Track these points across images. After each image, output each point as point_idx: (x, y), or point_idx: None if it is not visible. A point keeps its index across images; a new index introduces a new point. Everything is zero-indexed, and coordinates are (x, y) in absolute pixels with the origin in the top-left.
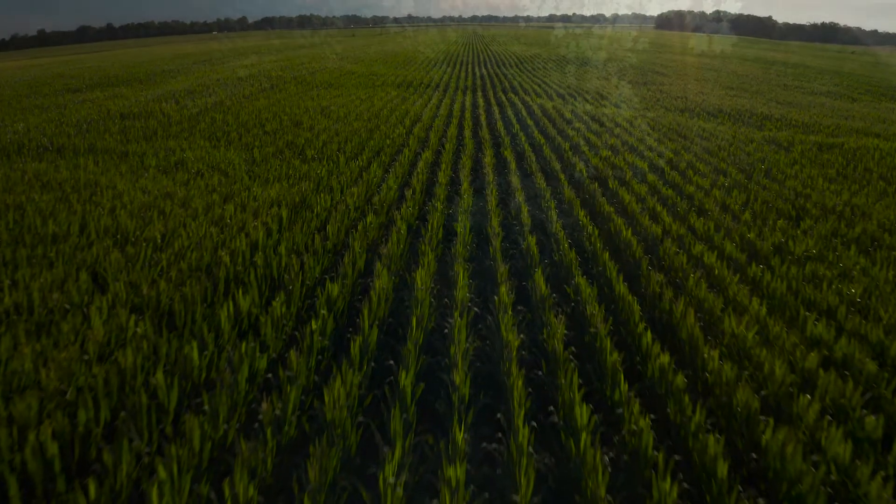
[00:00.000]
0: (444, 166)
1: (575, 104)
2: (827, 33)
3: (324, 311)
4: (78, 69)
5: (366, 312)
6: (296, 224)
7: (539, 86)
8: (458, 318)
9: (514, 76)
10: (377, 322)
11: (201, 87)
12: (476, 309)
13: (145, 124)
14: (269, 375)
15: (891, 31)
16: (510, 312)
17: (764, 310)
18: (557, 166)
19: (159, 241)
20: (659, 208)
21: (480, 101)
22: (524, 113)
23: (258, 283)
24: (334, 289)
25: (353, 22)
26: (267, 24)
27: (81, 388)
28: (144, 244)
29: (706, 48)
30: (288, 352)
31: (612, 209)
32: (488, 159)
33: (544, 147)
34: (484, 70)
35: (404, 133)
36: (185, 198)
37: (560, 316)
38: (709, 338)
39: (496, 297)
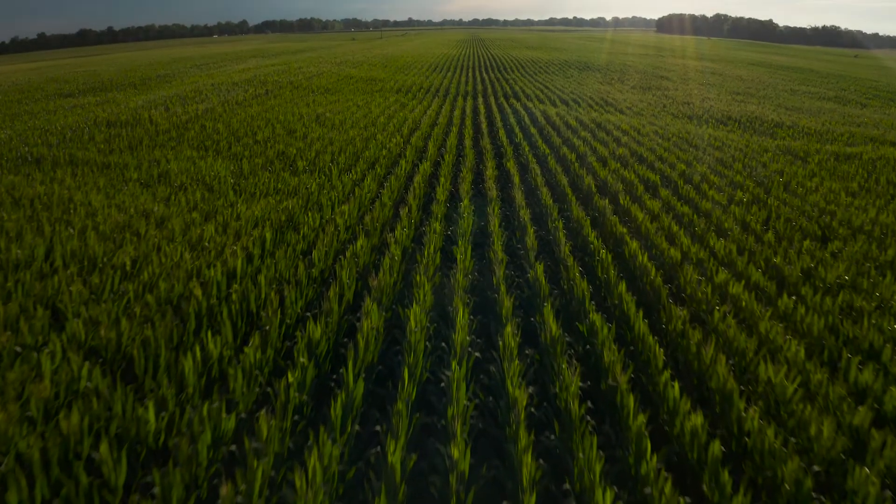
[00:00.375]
0: (442, 180)
1: (579, 111)
2: (829, 37)
3: (303, 360)
4: (73, 73)
5: (350, 364)
6: (280, 247)
7: (542, 91)
8: (457, 368)
9: (515, 81)
10: (364, 371)
11: (194, 92)
12: (477, 354)
13: (132, 133)
14: (234, 448)
15: (892, 34)
16: (517, 361)
17: (802, 352)
18: (564, 180)
19: (129, 267)
20: (675, 228)
21: (481, 107)
22: (527, 120)
23: (232, 321)
24: (317, 330)
25: (354, 25)
26: (267, 27)
27: (21, 455)
28: (112, 272)
29: (708, 52)
30: (261, 409)
31: (624, 230)
32: (490, 172)
33: (549, 158)
34: (485, 74)
35: (402, 142)
36: (164, 216)
37: (574, 364)
38: (743, 388)
39: (500, 341)
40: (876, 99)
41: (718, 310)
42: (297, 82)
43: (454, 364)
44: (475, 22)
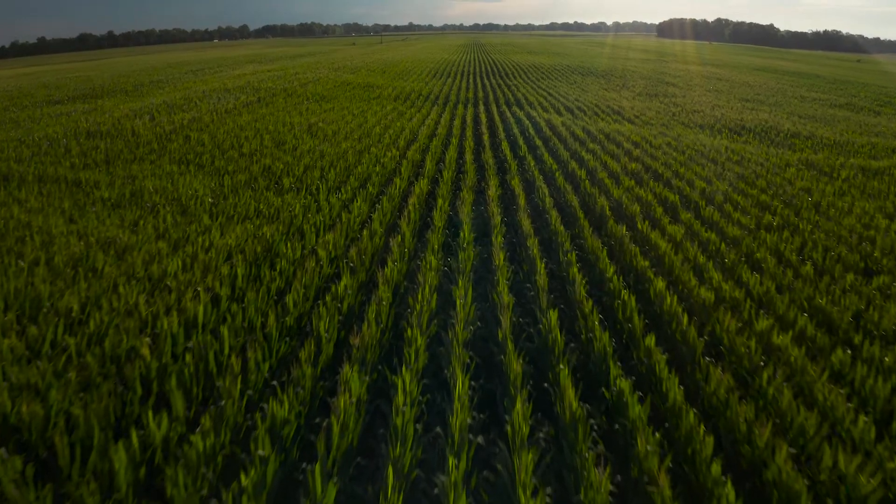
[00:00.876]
0: (440, 201)
1: (585, 120)
2: (830, 41)
3: (262, 451)
4: (67, 79)
5: (319, 466)
6: (252, 286)
7: (545, 98)
8: (454, 467)
9: (518, 87)
10: (339, 462)
11: (184, 99)
12: (480, 439)
13: (111, 145)
14: None
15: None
16: (529, 453)
17: (872, 432)
18: (574, 200)
19: (76, 313)
20: (702, 259)
21: (483, 116)
22: (531, 131)
23: (185, 389)
24: (282, 409)
25: (354, 30)
26: (268, 31)
27: None
28: (55, 319)
29: (711, 57)
30: None
31: (646, 262)
32: (493, 191)
33: (557, 174)
34: (486, 81)
35: (397, 156)
36: (127, 246)
37: (601, 464)
38: (808, 483)
39: (509, 425)
40: (888, 106)
41: (767, 371)
42: (291, 89)
43: (451, 461)
44: (476, 27)
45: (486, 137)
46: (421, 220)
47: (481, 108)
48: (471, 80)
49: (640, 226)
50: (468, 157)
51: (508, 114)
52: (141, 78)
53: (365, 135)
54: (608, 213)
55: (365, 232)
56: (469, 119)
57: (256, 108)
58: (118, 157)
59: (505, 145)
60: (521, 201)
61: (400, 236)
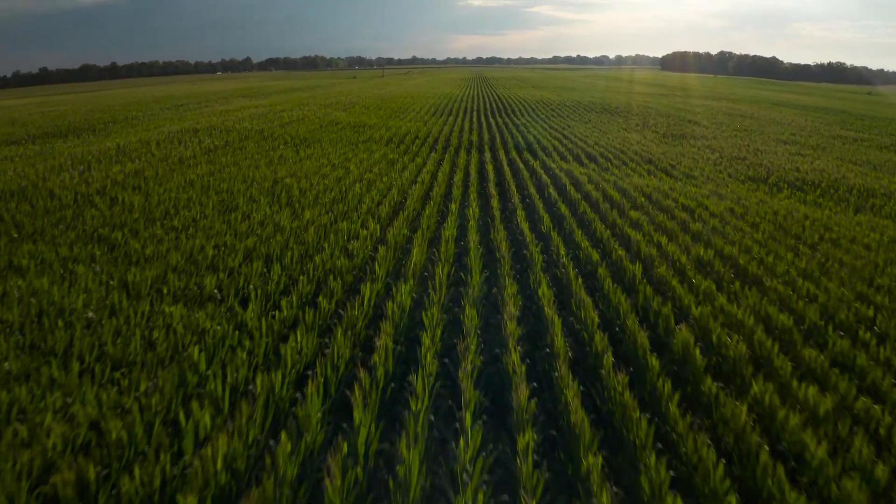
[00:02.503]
0: (428, 357)
1: (614, 172)
2: (834, 73)
3: None
4: (39, 114)
5: None
6: None
7: (560, 141)
8: None
9: (527, 127)
10: None
11: (142, 143)
12: None
13: (15, 210)
14: None
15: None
16: None
17: None
18: (645, 342)
19: None
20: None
21: (489, 167)
22: (552, 191)
23: None
24: None
25: (358, 63)
26: (271, 64)
27: None
28: None
29: (723, 90)
30: None
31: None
32: (511, 327)
33: (599, 270)
34: (491, 120)
35: (378, 232)
36: None
37: None
38: None
39: None
40: None
41: None
42: (269, 130)
43: None
44: (479, 60)
45: (495, 202)
46: (392, 396)
47: (487, 155)
48: (474, 119)
49: (758, 390)
50: (472, 237)
51: (520, 163)
52: (116, 114)
53: (341, 196)
54: (699, 360)
55: (290, 418)
56: (473, 171)
57: (219, 156)
58: (6, 232)
59: (521, 215)
60: (560, 348)
61: (345, 442)
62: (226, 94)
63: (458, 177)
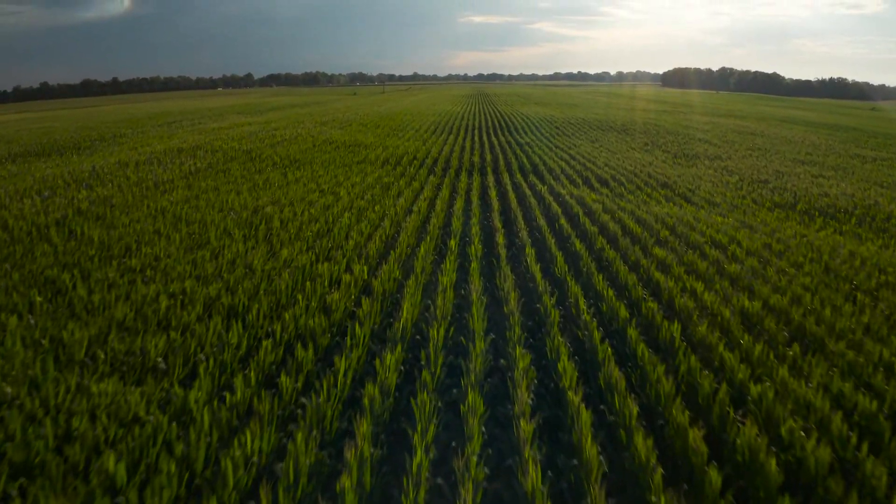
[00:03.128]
0: (419, 454)
1: (629, 198)
2: (836, 89)
3: None
4: (28, 130)
5: None
6: None
7: (567, 162)
8: None
9: (532, 147)
10: None
11: (120, 164)
12: None
13: None
14: None
15: None
16: None
17: None
18: (700, 445)
19: None
20: None
21: (493, 194)
22: (563, 222)
23: None
24: None
25: (359, 79)
26: (272, 80)
27: None
28: None
29: (728, 107)
30: None
31: None
32: (522, 395)
33: (629, 332)
34: (493, 138)
35: (364, 275)
36: None
37: None
38: None
39: None
40: None
41: None
42: (257, 151)
43: None
44: (480, 76)
45: (500, 237)
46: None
47: (490, 178)
48: (476, 138)
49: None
50: (474, 284)
51: (526, 188)
52: (106, 131)
53: (326, 229)
54: (772, 472)
55: None
56: (475, 198)
57: (199, 180)
58: None
59: (530, 254)
60: (587, 446)
61: None
62: (222, 110)
63: (458, 205)
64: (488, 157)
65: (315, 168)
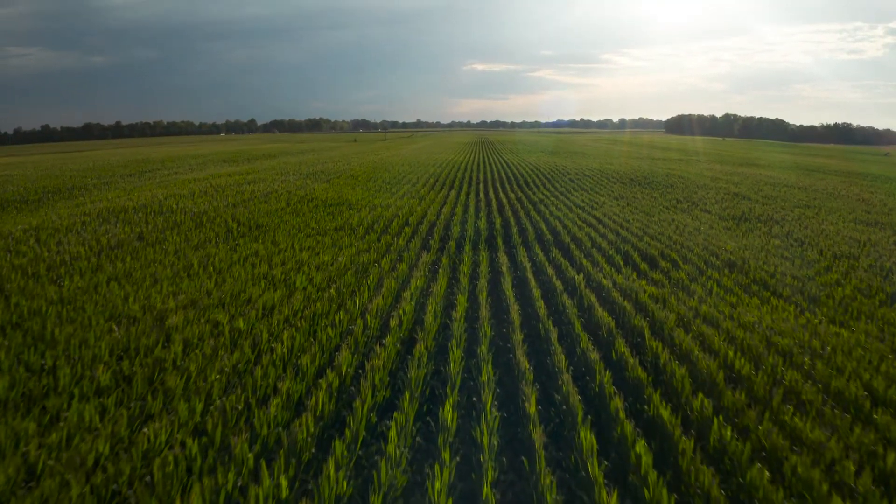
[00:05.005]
0: None
1: (698, 291)
2: (841, 134)
3: None
4: (10, 176)
5: None
6: None
7: (595, 229)
8: None
9: (547, 206)
10: None
11: (38, 229)
12: None
13: None
14: None
15: None
16: None
17: None
18: None
19: None
20: None
21: (508, 283)
22: (625, 351)
23: None
24: None
25: (362, 126)
26: (275, 126)
27: None
28: None
29: (745, 155)
30: None
31: None
32: None
33: None
34: (502, 195)
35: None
36: None
37: None
38: None
39: None
40: None
41: None
42: (214, 211)
43: None
44: (483, 123)
45: (529, 392)
46: None
47: (501, 256)
48: (481, 193)
49: None
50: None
51: (551, 272)
52: (67, 181)
53: (250, 363)
54: None
55: None
56: (483, 296)
57: (114, 260)
58: None
59: (579, 418)
60: None
61: None
62: (208, 157)
63: (459, 310)
64: (497, 222)
65: (278, 238)
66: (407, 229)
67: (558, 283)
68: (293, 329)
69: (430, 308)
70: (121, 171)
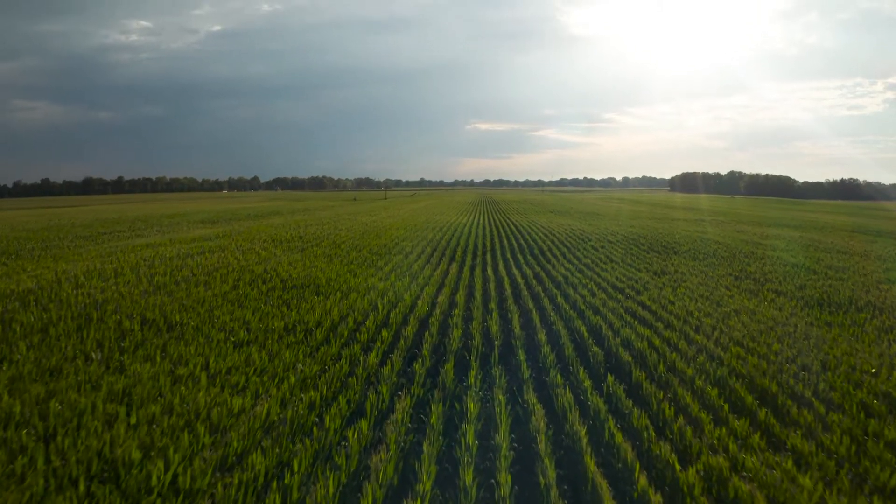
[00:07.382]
0: None
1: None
2: (848, 190)
3: None
4: None
5: None
6: None
7: (653, 329)
8: None
9: (575, 288)
10: None
11: None
12: None
13: None
14: None
15: None
16: None
17: None
18: None
19: None
20: None
21: (545, 458)
22: None
23: None
24: None
25: (365, 184)
26: (277, 184)
27: None
28: None
29: (760, 214)
30: None
31: None
32: None
33: None
34: (515, 269)
35: None
36: None
37: None
38: None
39: None
40: None
41: None
42: (119, 300)
43: None
44: (486, 182)
45: None
46: None
47: (530, 392)
48: (489, 269)
49: None
50: None
51: (619, 442)
52: (21, 244)
53: None
54: None
55: None
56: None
57: None
58: None
59: None
60: None
61: None
62: (188, 216)
63: None
64: (515, 320)
65: (187, 351)
66: (385, 333)
67: (642, 480)
68: None
69: None
70: (75, 231)
